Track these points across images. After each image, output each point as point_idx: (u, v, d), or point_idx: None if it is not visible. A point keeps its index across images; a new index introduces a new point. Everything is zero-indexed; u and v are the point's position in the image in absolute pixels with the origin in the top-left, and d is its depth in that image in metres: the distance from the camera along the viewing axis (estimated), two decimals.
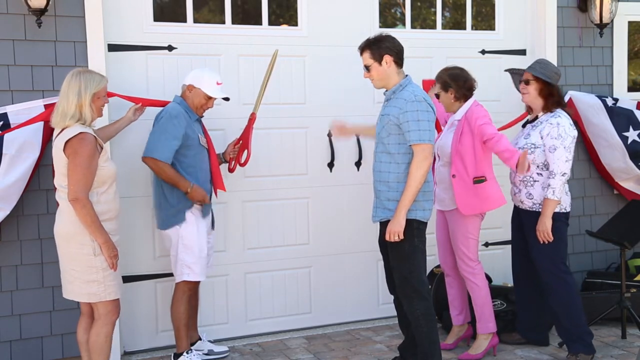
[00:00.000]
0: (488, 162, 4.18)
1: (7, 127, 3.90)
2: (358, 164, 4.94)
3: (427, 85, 4.66)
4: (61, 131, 3.46)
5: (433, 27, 5.15)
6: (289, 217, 4.82)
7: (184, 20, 4.49)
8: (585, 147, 5.39)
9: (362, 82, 4.51)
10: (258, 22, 4.69)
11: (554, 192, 4.04)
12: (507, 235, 5.32)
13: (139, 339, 4.50)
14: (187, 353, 4.07)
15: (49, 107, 3.86)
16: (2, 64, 4.02)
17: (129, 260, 4.39)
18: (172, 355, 4.16)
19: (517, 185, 4.27)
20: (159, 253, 4.49)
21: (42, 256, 4.15)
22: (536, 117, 4.26)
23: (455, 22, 5.25)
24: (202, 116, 4.14)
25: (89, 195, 3.40)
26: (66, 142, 3.39)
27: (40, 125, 3.91)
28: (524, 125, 4.41)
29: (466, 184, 4.12)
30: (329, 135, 4.84)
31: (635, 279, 5.00)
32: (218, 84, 4.08)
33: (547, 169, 4.12)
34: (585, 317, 4.22)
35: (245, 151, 4.38)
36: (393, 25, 5.10)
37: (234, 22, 4.61)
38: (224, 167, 4.38)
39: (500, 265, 5.32)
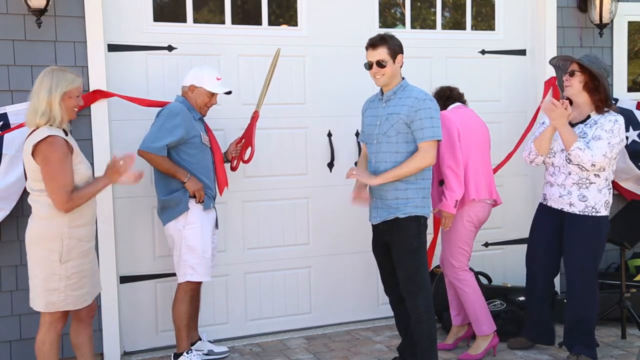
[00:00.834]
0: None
1: (7, 127, 3.90)
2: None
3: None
4: (31, 133, 3.36)
5: (433, 27, 5.15)
6: (289, 217, 4.82)
7: (184, 20, 4.49)
8: None
9: (362, 82, 4.53)
10: (258, 22, 4.69)
11: (584, 150, 3.84)
12: (507, 235, 5.35)
13: (139, 339, 4.49)
14: (187, 353, 4.07)
15: None
16: (2, 64, 4.02)
17: (129, 260, 4.40)
18: (172, 355, 4.16)
19: (566, 187, 4.05)
20: (159, 253, 4.49)
21: None
22: (588, 117, 4.04)
23: (455, 22, 5.25)
24: (204, 115, 4.15)
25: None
26: (34, 147, 3.29)
27: None
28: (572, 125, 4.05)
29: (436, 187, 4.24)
30: (329, 135, 4.84)
31: (635, 279, 5.00)
32: (218, 79, 4.11)
33: (604, 171, 3.99)
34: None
35: (249, 148, 4.39)
36: (393, 25, 5.10)
37: (233, 22, 4.61)
38: (226, 167, 4.37)
39: (500, 265, 5.32)
